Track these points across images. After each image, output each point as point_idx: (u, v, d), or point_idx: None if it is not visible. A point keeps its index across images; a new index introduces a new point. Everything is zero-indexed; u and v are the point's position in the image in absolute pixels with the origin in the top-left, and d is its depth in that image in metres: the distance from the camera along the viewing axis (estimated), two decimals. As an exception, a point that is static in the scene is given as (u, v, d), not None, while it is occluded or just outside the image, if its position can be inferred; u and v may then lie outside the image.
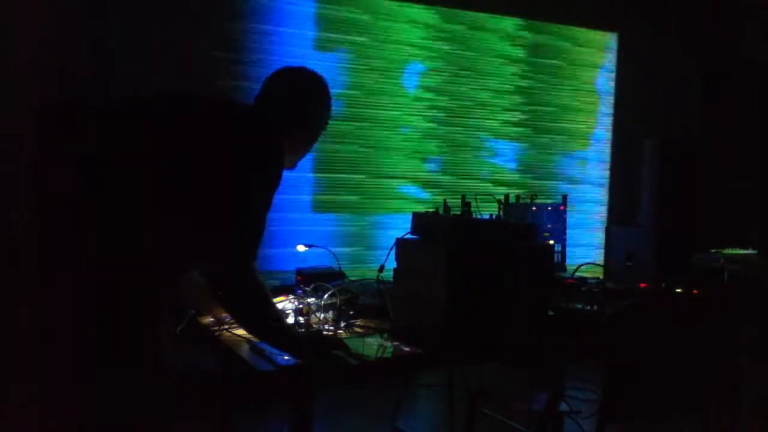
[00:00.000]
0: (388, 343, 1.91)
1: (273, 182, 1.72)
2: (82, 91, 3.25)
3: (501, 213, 2.85)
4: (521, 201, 2.96)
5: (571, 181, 4.95)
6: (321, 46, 4.02)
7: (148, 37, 3.50)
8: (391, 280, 2.21)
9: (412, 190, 4.37)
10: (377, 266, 2.34)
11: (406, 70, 4.30)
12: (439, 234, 2.08)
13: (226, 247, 1.66)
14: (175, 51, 3.53)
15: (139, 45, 3.47)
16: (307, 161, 4.01)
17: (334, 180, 4.14)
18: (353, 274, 2.81)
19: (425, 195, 4.39)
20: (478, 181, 4.56)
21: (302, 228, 4.00)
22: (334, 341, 1.80)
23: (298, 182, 3.98)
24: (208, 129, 1.71)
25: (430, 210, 2.48)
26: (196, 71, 3.58)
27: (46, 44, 3.26)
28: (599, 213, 5.09)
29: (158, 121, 1.70)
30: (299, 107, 1.90)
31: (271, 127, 1.80)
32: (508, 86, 4.66)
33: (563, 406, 2.67)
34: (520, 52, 4.69)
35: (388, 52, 4.22)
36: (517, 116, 4.71)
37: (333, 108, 2.03)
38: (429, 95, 4.39)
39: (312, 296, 2.17)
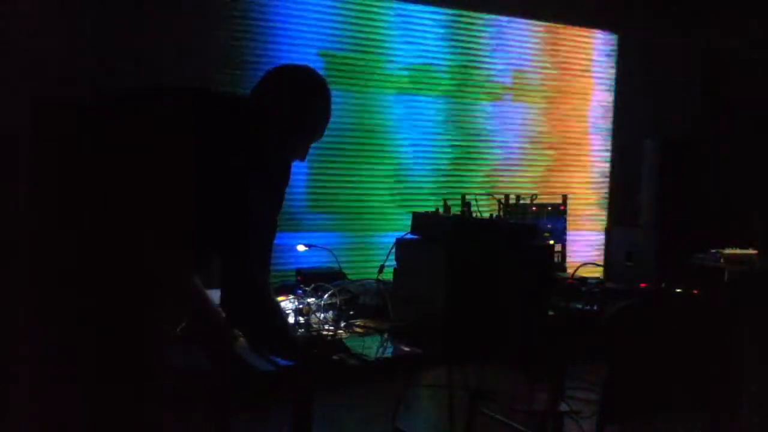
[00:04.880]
0: (388, 343, 1.91)
1: (277, 179, 1.69)
2: (82, 91, 3.25)
3: (501, 213, 2.85)
4: (521, 201, 2.96)
5: (571, 180, 4.95)
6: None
7: (147, 38, 3.49)
8: (391, 280, 2.21)
9: (412, 189, 4.36)
10: (377, 266, 2.34)
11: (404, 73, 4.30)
12: (439, 234, 2.08)
13: (231, 248, 1.65)
14: (174, 51, 3.53)
15: (138, 45, 3.46)
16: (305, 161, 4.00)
17: (334, 179, 4.13)
18: (353, 274, 2.80)
19: (425, 195, 4.38)
20: (478, 181, 4.55)
21: (302, 228, 3.99)
22: (333, 345, 1.79)
23: (298, 182, 3.97)
24: (208, 125, 1.70)
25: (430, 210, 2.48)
26: (196, 71, 3.58)
27: (46, 44, 3.26)
28: (599, 213, 5.09)
29: (158, 119, 1.69)
30: (297, 104, 1.87)
31: (271, 124, 1.78)
32: (507, 85, 4.66)
33: (563, 406, 2.67)
34: (519, 52, 4.68)
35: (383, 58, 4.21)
36: (516, 116, 4.71)
37: (331, 108, 2.01)
38: (427, 94, 4.38)
39: (312, 296, 2.17)
